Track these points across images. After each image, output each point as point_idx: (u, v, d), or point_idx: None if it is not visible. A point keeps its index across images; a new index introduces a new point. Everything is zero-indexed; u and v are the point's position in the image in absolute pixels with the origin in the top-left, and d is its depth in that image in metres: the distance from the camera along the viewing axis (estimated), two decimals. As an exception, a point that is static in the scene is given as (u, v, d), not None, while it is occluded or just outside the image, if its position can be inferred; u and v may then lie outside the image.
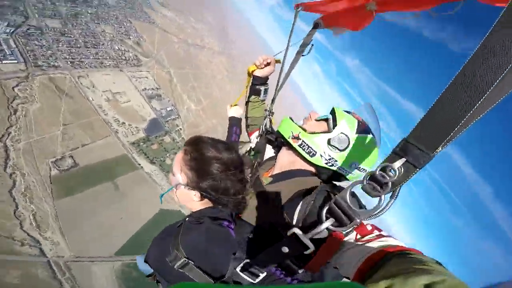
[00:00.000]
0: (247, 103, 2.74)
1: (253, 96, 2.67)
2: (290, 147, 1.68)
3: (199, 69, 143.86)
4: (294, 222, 1.33)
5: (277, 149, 1.85)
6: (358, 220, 0.92)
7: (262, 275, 1.21)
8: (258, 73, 2.55)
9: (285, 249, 1.07)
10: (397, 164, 0.81)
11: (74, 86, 67.21)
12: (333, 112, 1.69)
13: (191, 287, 0.36)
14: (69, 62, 73.11)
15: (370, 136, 1.60)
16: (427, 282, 0.55)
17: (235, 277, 1.27)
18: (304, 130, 1.65)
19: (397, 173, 0.81)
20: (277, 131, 1.82)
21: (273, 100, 2.49)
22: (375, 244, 1.01)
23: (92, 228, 49.48)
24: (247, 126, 2.74)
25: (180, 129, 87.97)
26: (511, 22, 0.62)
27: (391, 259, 0.85)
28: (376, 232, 1.09)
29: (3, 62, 57.33)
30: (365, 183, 0.90)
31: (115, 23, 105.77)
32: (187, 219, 1.58)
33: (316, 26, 2.18)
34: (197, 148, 1.53)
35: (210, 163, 1.48)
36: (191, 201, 1.57)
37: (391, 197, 0.85)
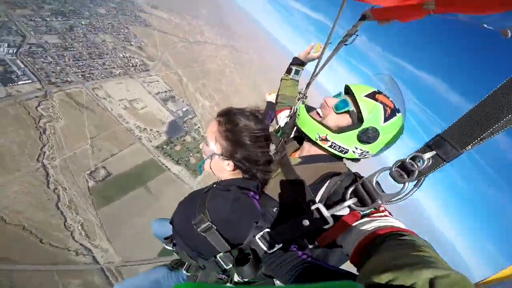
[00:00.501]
0: (281, 80, 2.87)
1: (285, 74, 2.83)
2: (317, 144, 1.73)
3: (205, 65, 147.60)
4: (318, 199, 1.44)
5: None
6: (379, 202, 1.06)
7: (277, 246, 1.32)
8: (301, 55, 2.73)
9: (306, 222, 1.22)
10: (427, 155, 0.93)
11: (92, 99, 71.30)
12: (349, 92, 1.68)
13: (191, 287, 0.38)
14: (80, 76, 76.39)
15: (397, 117, 1.58)
16: (431, 276, 0.57)
17: (252, 245, 1.40)
18: (329, 128, 1.65)
19: (425, 164, 0.93)
20: (299, 127, 1.83)
21: (308, 85, 2.59)
22: (375, 223, 1.10)
23: (133, 232, 53.65)
24: (276, 103, 2.82)
25: (199, 127, 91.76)
26: None
27: (384, 241, 0.94)
28: (385, 213, 1.20)
29: (19, 83, 60.84)
30: (393, 169, 1.03)
31: (112, 31, 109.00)
32: (214, 185, 1.77)
33: (363, 17, 2.20)
34: (231, 119, 1.62)
35: (244, 133, 1.59)
36: (223, 171, 1.69)
37: (415, 185, 0.99)
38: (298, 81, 2.84)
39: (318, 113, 1.78)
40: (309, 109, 1.87)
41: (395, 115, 1.57)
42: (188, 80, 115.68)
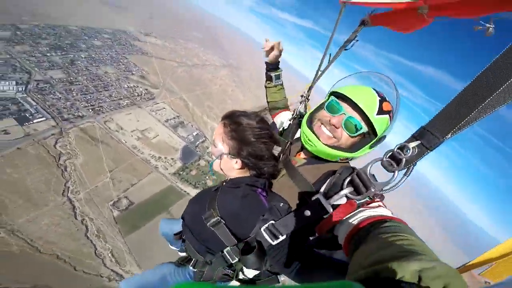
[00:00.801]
0: (265, 88, 2.94)
1: (267, 82, 2.90)
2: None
3: (208, 87, 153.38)
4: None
5: None
6: (372, 190, 1.14)
7: (281, 238, 1.40)
8: (267, 59, 2.72)
9: (308, 213, 1.31)
10: (412, 144, 1.03)
11: (105, 132, 74.88)
12: (348, 101, 1.70)
13: (191, 287, 0.38)
14: (90, 110, 78.68)
15: (398, 109, 1.71)
16: (418, 269, 0.60)
17: (258, 237, 1.49)
18: (347, 150, 1.76)
19: (411, 152, 1.03)
20: (316, 154, 1.86)
21: (310, 88, 2.71)
22: (365, 213, 1.21)
23: (161, 256, 56.68)
24: (269, 109, 2.92)
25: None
26: None
27: (370, 231, 1.04)
28: (379, 203, 1.30)
29: (34, 121, 63.78)
30: (384, 159, 1.11)
31: (112, 62, 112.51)
32: (224, 184, 1.92)
33: (362, 23, 2.27)
34: (235, 120, 1.79)
35: (248, 131, 1.74)
36: (232, 170, 1.83)
37: (404, 174, 1.07)
38: (282, 84, 2.90)
39: (328, 135, 1.80)
40: (311, 121, 1.93)
41: (394, 112, 1.73)
42: (194, 104, 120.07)
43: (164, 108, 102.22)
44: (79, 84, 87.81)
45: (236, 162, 1.78)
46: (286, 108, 2.87)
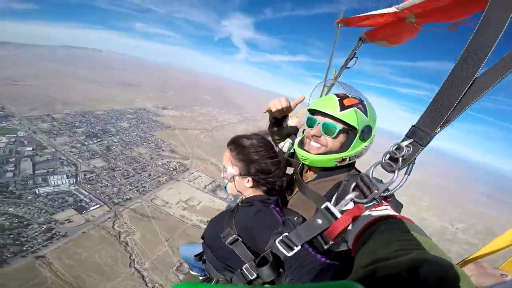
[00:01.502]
0: (272, 136, 2.82)
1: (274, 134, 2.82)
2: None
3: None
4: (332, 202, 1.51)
5: None
6: (376, 191, 1.16)
7: (296, 249, 1.43)
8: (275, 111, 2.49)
9: (319, 221, 1.32)
10: (406, 142, 1.09)
11: (154, 209, 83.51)
12: (321, 114, 1.97)
13: (191, 287, 0.40)
14: (135, 191, 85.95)
15: (367, 103, 1.94)
16: (415, 264, 0.61)
17: (274, 250, 1.52)
18: (338, 152, 1.95)
19: (406, 150, 1.08)
20: (313, 166, 2.09)
21: None
22: (372, 215, 1.16)
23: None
24: (275, 142, 2.94)
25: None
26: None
27: (375, 231, 1.02)
28: (386, 206, 1.25)
29: (91, 209, 72.75)
30: (383, 161, 1.16)
31: (142, 142, 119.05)
32: (239, 204, 2.09)
33: (360, 40, 2.38)
34: (238, 143, 2.03)
35: (251, 150, 1.96)
36: (246, 189, 2.02)
37: (405, 173, 1.11)
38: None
39: (316, 146, 2.03)
40: (302, 142, 2.20)
41: (365, 103, 1.93)
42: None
43: (199, 176, 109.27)
44: (119, 169, 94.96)
45: (248, 180, 2.00)
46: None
